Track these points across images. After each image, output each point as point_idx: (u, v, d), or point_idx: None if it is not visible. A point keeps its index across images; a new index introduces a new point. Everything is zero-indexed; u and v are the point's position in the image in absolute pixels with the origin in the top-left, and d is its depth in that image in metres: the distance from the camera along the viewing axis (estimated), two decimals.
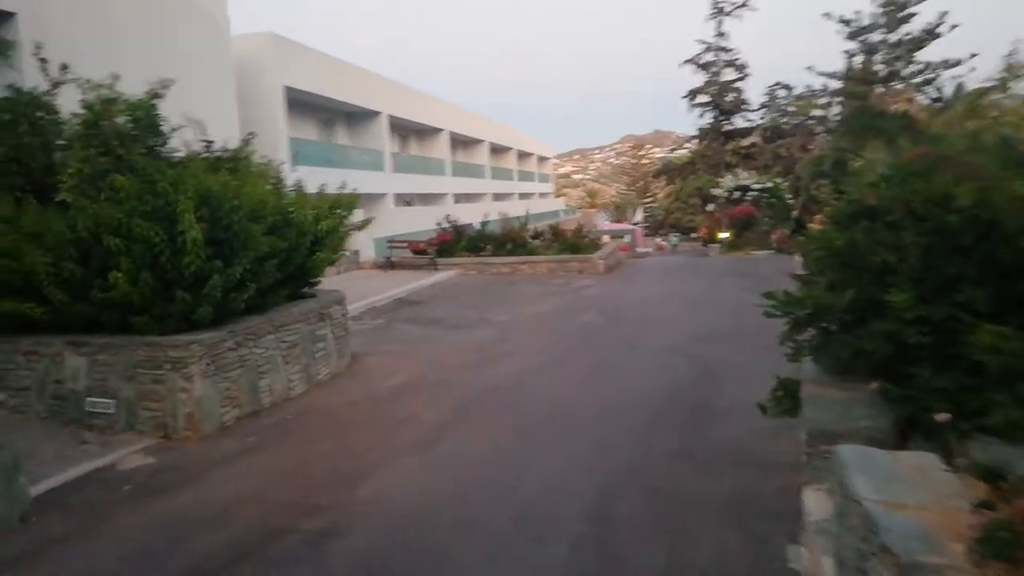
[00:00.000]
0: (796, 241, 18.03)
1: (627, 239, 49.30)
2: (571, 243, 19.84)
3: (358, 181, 26.97)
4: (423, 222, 25.42)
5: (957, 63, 32.16)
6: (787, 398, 4.95)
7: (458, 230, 20.92)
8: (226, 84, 17.75)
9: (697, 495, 4.68)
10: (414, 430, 6.21)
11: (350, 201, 8.94)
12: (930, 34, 33.13)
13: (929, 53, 40.92)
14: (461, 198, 37.67)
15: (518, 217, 22.68)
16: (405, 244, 20.51)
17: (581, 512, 4.42)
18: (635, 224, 65.82)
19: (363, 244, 20.64)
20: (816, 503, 3.84)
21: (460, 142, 40.76)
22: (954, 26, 32.68)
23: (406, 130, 34.06)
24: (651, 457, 5.42)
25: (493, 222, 23.30)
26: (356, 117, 28.57)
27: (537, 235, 21.81)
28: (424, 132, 35.20)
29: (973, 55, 32.02)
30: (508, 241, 20.12)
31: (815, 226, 18.23)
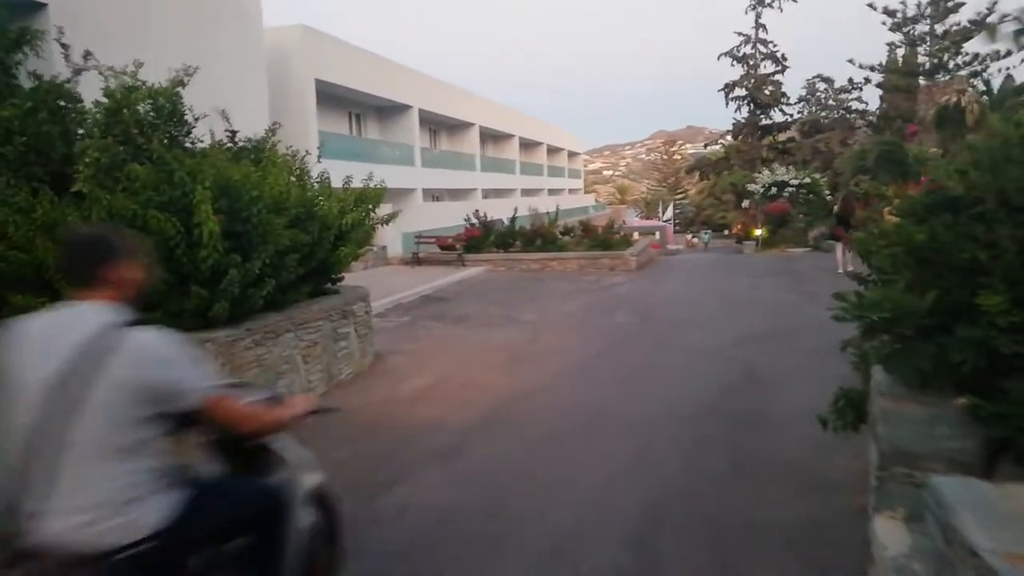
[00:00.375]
0: (850, 237, 17.27)
1: (658, 236, 48.61)
2: (602, 239, 19.36)
3: (387, 175, 26.75)
4: (452, 217, 25.10)
5: (1008, 54, 31.01)
6: (850, 411, 4.48)
7: (486, 226, 20.58)
8: (257, 76, 17.58)
9: (749, 518, 4.24)
10: (439, 437, 5.84)
11: (377, 194, 8.60)
12: (978, 24, 31.96)
13: (977, 44, 39.63)
14: (490, 193, 37.34)
15: (547, 213, 22.25)
16: (433, 240, 20.20)
17: (621, 539, 4.00)
18: (665, 221, 64.99)
19: (391, 239, 20.40)
20: (891, 534, 3.37)
21: (490, 137, 40.42)
22: (1005, 16, 31.38)
23: (437, 124, 33.81)
24: (696, 474, 4.98)
25: (522, 218, 22.92)
26: (386, 111, 28.37)
27: (567, 231, 21.39)
28: (454, 126, 34.93)
29: (1009, 52, 30.85)
30: (537, 237, 19.70)
31: (886, 220, 17.48)
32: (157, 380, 2.08)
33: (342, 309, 7.80)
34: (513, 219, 20.48)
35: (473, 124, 35.07)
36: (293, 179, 7.67)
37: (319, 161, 8.88)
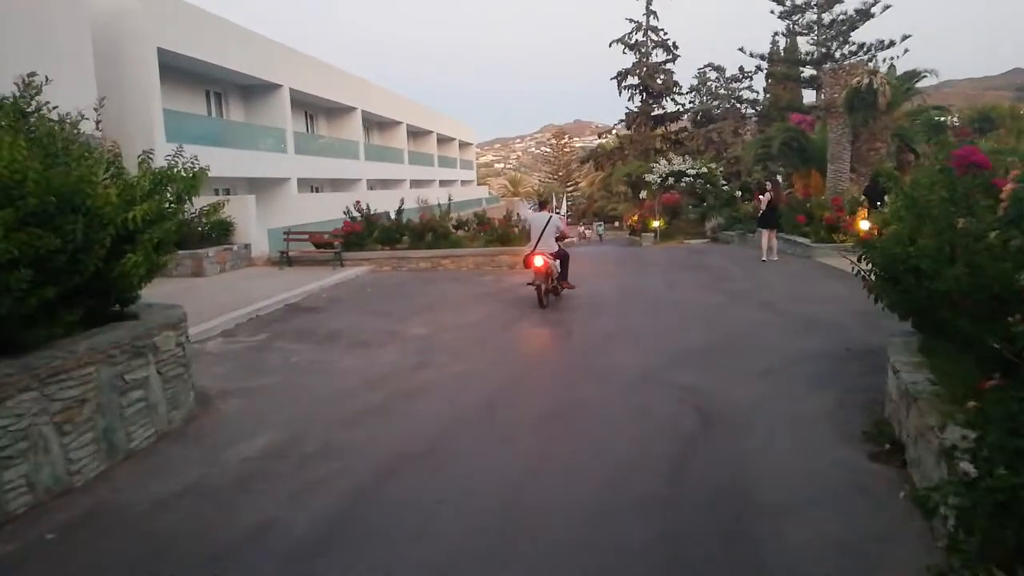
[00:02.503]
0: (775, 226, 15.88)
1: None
2: (500, 234, 17.34)
3: (255, 163, 23.81)
4: (333, 210, 22.32)
5: (892, 44, 31.56)
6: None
7: (369, 219, 18.06)
8: (78, 38, 14.35)
9: None
10: (262, 561, 3.58)
11: (192, 179, 6.08)
12: (863, 14, 32.38)
13: (864, 34, 40.55)
14: (376, 184, 34.67)
15: (439, 204, 19.99)
16: (306, 236, 17.49)
17: None
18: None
19: (256, 236, 17.51)
20: None
21: (375, 123, 37.64)
22: (887, 6, 32.03)
23: (313, 108, 30.76)
24: None
25: (411, 210, 20.56)
26: (253, 90, 25.15)
27: (461, 224, 19.21)
28: (334, 111, 31.95)
29: (906, 36, 31.50)
30: (428, 232, 17.43)
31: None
32: None
33: (133, 344, 5.30)
34: (399, 212, 18.08)
35: (355, 108, 32.17)
36: (49, 156, 5.08)
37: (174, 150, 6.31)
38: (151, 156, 6.10)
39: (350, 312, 11.30)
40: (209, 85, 23.45)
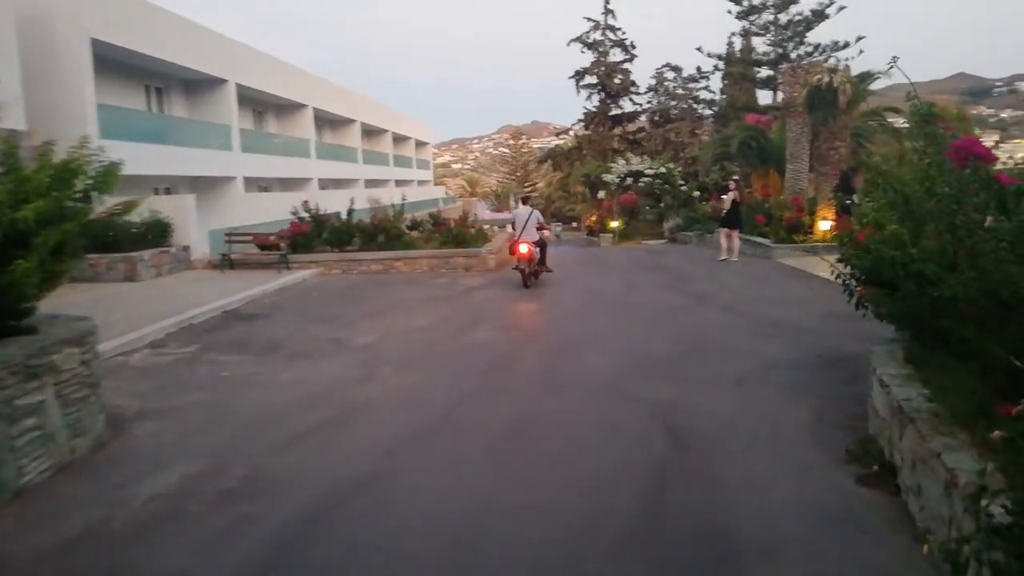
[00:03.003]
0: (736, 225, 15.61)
1: (510, 229, 46.88)
2: (455, 235, 16.74)
3: (199, 161, 22.73)
4: (283, 211, 21.45)
5: (846, 45, 31.92)
6: None
7: (318, 220, 17.26)
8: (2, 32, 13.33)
9: None
10: None
11: (105, 174, 5.35)
12: (819, 15, 32.66)
13: (818, 35, 40.99)
14: (329, 184, 33.66)
15: (392, 204, 19.29)
16: (250, 237, 16.61)
17: None
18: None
19: (196, 238, 16.57)
20: None
21: (327, 121, 36.63)
22: (841, 7, 32.37)
23: (262, 104, 29.66)
24: None
25: (363, 211, 19.83)
26: (197, 86, 24.03)
27: (415, 225, 18.56)
28: (284, 107, 30.89)
29: (860, 38, 31.90)
30: (379, 233, 16.72)
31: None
32: None
33: (25, 364, 4.58)
34: (350, 212, 17.30)
35: (306, 106, 31.14)
36: None
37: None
38: (53, 147, 5.36)
39: (293, 319, 10.58)
40: (149, 79, 22.28)
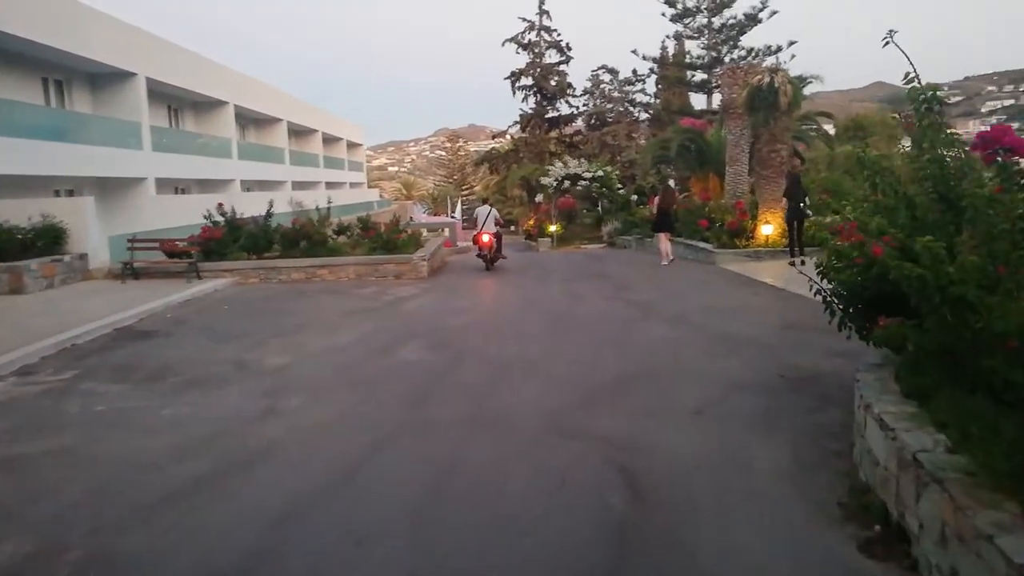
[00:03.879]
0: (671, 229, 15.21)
1: (447, 233, 45.77)
2: (385, 240, 15.65)
3: (104, 161, 20.87)
4: (200, 214, 20.00)
5: (779, 49, 32.18)
6: None
7: (234, 224, 15.89)
8: None
9: None
10: None
11: None
12: (751, 19, 32.83)
13: (752, 39, 41.33)
14: (254, 186, 32.03)
15: (318, 208, 18.04)
16: (156, 244, 15.12)
17: None
18: (453, 217, 62.67)
19: (95, 244, 14.97)
20: None
21: (252, 120, 34.85)
22: (774, 12, 32.66)
23: (177, 101, 27.83)
24: None
25: (286, 214, 18.56)
26: (103, 80, 22.19)
27: (342, 230, 17.38)
28: (203, 105, 29.09)
29: (792, 42, 32.25)
30: (302, 238, 15.49)
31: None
32: None
33: None
34: (268, 215, 15.99)
35: (227, 103, 29.40)
36: None
37: None
38: None
39: (195, 336, 9.34)
40: (47, 71, 20.36)
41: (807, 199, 13.99)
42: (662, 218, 16.27)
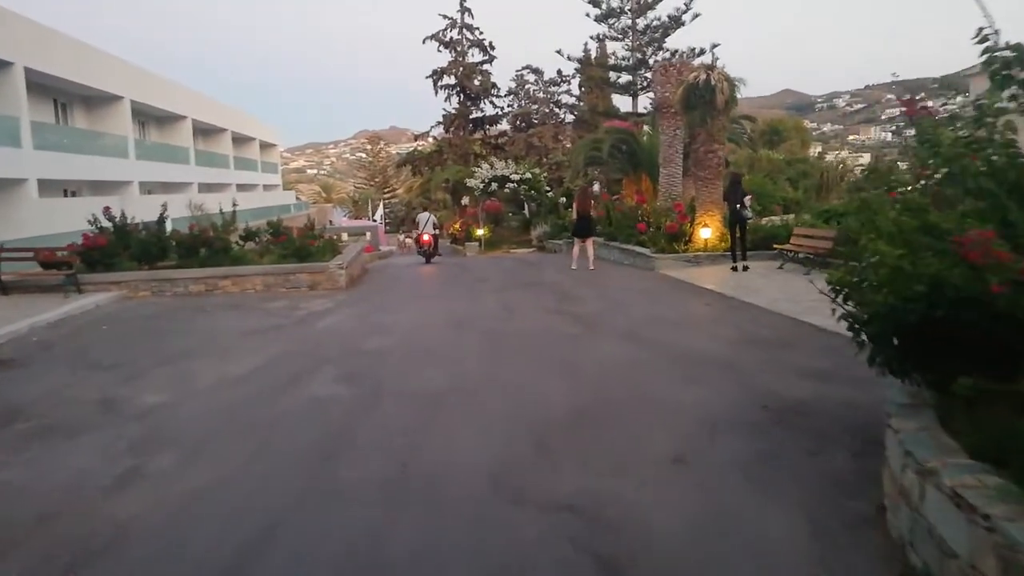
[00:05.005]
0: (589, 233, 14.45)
1: (369, 237, 43.95)
2: (297, 247, 14.15)
3: None
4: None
5: (703, 52, 32.11)
6: None
7: (124, 230, 14.05)
8: None
9: None
10: None
11: None
12: (675, 21, 32.65)
13: (676, 42, 41.32)
14: (156, 188, 29.58)
15: (222, 211, 16.33)
16: (31, 253, 13.13)
17: None
18: (376, 220, 60.71)
19: None
20: None
21: (153, 118, 32.27)
22: (696, 15, 32.60)
23: (66, 95, 25.27)
24: None
25: (186, 218, 16.77)
26: None
27: (250, 235, 15.77)
28: (95, 100, 26.54)
29: (715, 45, 32.30)
30: (202, 245, 13.82)
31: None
32: None
33: None
34: (161, 220, 14.21)
35: (122, 98, 26.91)
36: None
37: None
38: None
39: (60, 366, 7.73)
40: None
41: (747, 201, 13.33)
42: (581, 223, 15.55)
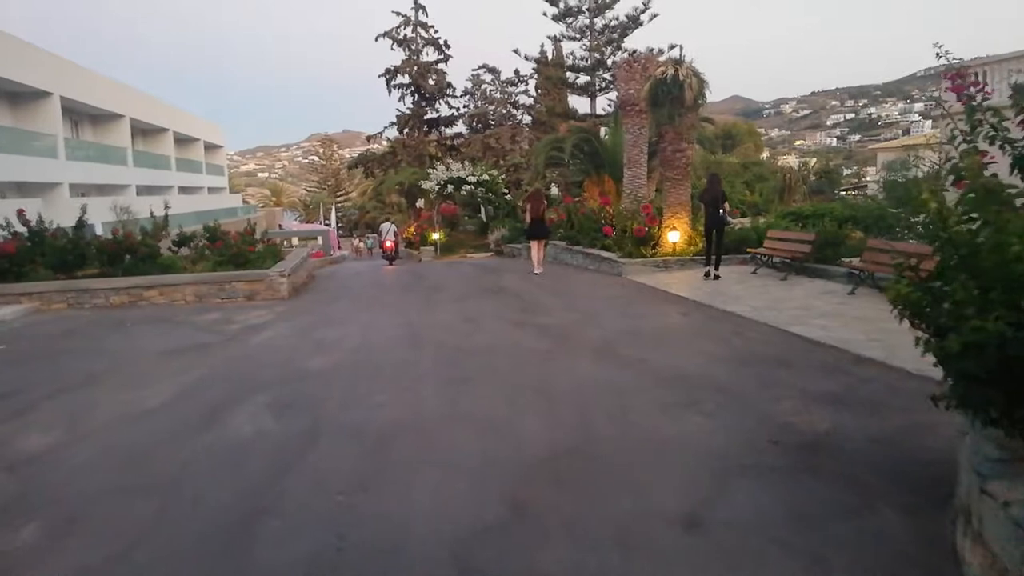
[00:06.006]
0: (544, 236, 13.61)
1: (320, 241, 42.37)
2: (234, 253, 12.89)
3: None
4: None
5: (661, 52, 31.53)
6: None
7: (39, 236, 12.62)
8: None
9: None
10: None
11: None
12: (634, 20, 32.08)
13: (634, 42, 40.82)
14: (91, 190, 27.75)
15: (153, 215, 14.94)
16: None
17: None
18: (327, 224, 59.01)
19: None
20: None
21: (87, 116, 30.36)
22: (655, 15, 32.11)
23: None
24: None
25: (115, 222, 15.35)
26: None
27: (184, 241, 14.45)
28: (20, 96, 24.65)
29: (673, 46, 31.84)
30: (126, 252, 12.46)
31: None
32: None
33: None
34: (80, 224, 12.79)
35: (51, 94, 25.08)
36: None
37: None
38: None
39: None
40: None
41: (728, 205, 12.55)
42: (534, 225, 15.10)
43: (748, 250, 13.68)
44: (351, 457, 4.67)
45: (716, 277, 12.20)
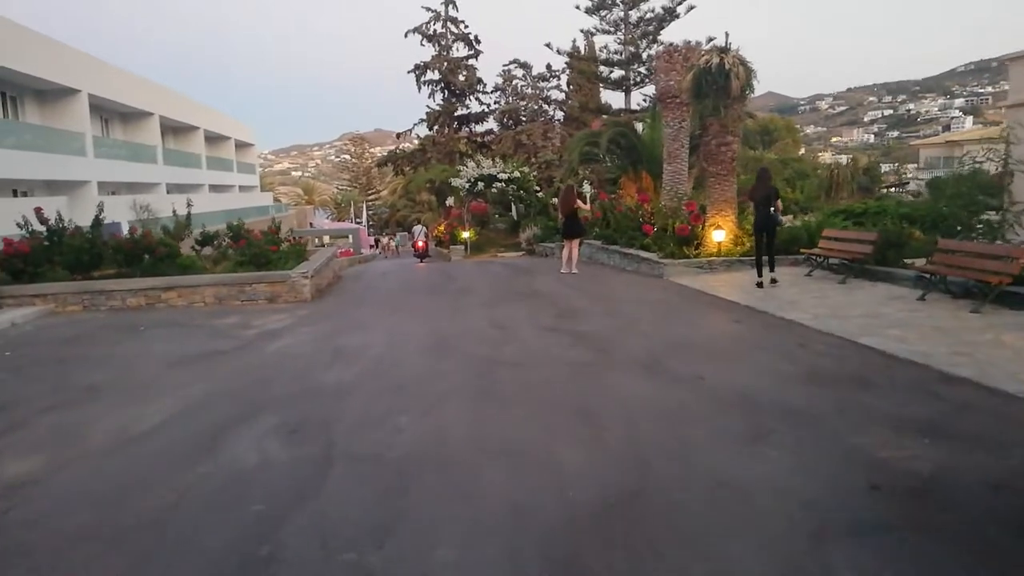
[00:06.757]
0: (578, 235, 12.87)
1: (351, 240, 42.07)
2: (256, 253, 12.34)
3: None
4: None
5: (699, 45, 30.52)
6: None
7: (57, 234, 12.22)
8: None
9: None
10: None
11: None
12: (670, 13, 31.09)
13: (670, 35, 39.83)
14: (121, 188, 27.67)
15: (175, 213, 14.49)
16: None
17: None
18: (358, 223, 58.80)
19: None
20: None
21: (117, 113, 30.29)
22: (691, 7, 31.03)
23: (15, 87, 23.26)
24: None
25: (145, 221, 14.97)
26: None
27: (207, 240, 13.98)
28: (47, 93, 24.52)
29: (711, 39, 30.67)
30: (144, 252, 11.99)
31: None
32: None
33: None
34: (96, 223, 12.36)
35: (79, 91, 24.93)
36: None
37: None
38: None
39: None
40: None
41: (780, 203, 11.48)
42: (568, 223, 14.59)
43: (801, 251, 12.74)
44: (365, 497, 3.97)
45: (773, 281, 11.08)
